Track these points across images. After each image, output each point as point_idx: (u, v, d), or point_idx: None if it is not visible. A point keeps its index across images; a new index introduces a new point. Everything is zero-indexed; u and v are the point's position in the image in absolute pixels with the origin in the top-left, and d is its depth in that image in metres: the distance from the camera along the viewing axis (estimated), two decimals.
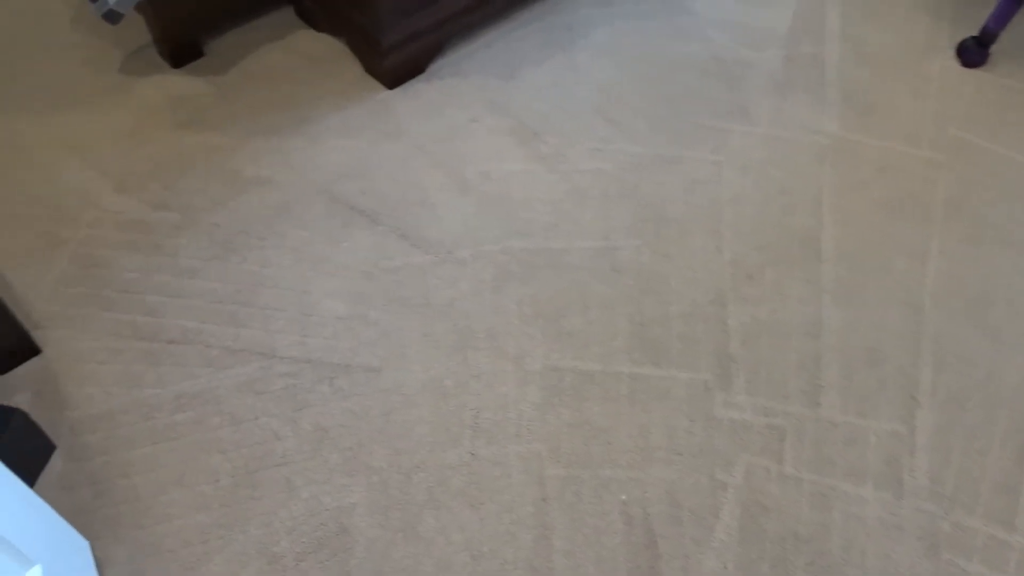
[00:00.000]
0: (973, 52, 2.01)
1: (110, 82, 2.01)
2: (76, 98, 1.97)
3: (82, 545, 1.20)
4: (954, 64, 2.04)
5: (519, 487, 1.31)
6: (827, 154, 1.82)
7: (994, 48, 2.03)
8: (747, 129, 1.85)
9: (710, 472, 1.32)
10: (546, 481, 1.32)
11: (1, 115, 1.93)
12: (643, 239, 1.64)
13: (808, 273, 1.59)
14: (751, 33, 2.09)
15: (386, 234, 1.66)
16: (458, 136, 1.85)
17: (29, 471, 1.31)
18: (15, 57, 2.08)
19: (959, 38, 2.08)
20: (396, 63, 1.93)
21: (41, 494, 1.30)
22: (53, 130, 1.89)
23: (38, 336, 1.51)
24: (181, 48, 2.03)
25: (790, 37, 2.10)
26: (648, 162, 1.78)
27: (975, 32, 2.03)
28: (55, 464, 1.34)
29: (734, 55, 2.03)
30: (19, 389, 1.44)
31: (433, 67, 2.02)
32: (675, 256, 1.61)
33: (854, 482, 1.31)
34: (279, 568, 1.23)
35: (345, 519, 1.28)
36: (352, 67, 2.03)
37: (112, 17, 1.76)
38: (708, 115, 1.88)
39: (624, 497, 1.30)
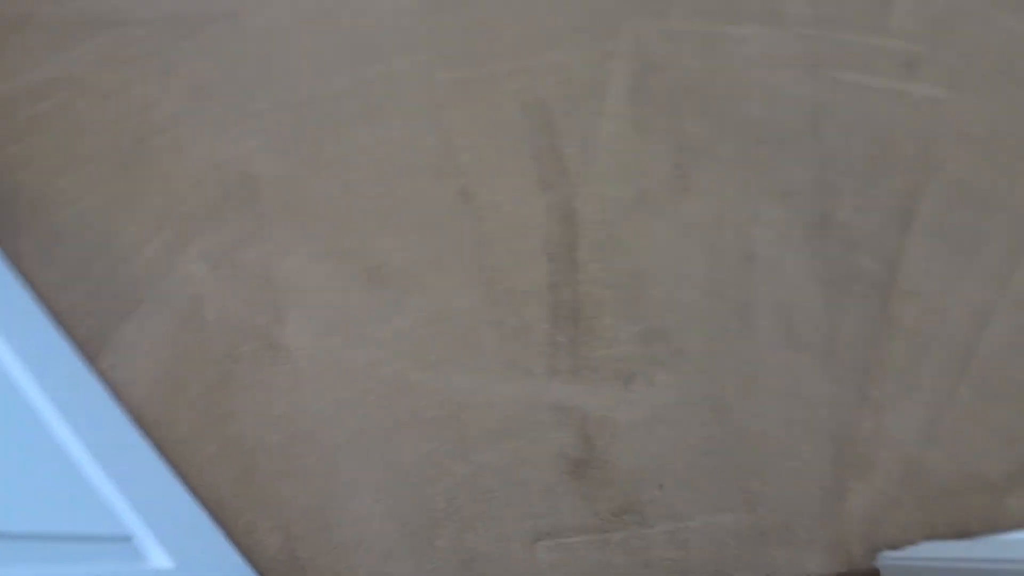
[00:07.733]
0: None
1: None
2: None
3: None
4: None
5: (411, 98, 1.29)
6: None
7: None
8: None
9: (599, 45, 1.31)
10: (436, 87, 1.29)
11: None
12: None
13: None
14: None
15: None
16: None
17: None
18: None
19: None
20: None
21: None
22: None
23: None
24: None
25: None
26: None
27: None
28: None
29: None
30: None
31: None
32: None
33: (737, 23, 1.31)
34: (194, 225, 1.24)
35: (245, 166, 1.26)
36: None
37: None
38: None
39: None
